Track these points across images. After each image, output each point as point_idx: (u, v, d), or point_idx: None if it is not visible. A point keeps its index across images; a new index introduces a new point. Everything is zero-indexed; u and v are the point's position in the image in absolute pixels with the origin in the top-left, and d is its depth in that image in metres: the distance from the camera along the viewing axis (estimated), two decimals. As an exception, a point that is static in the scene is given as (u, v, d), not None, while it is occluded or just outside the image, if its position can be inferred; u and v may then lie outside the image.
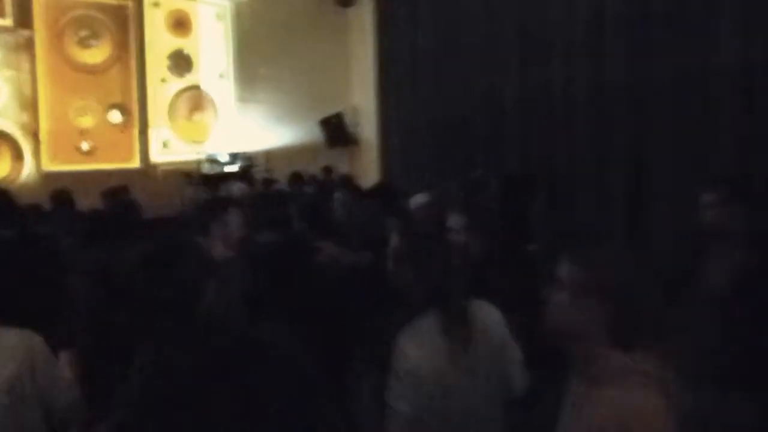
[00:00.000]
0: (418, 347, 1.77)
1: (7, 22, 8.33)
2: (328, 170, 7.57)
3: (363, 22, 9.30)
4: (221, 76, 9.60)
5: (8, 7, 8.35)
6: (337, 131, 9.72)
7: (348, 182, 6.08)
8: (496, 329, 1.88)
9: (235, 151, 9.20)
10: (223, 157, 9.09)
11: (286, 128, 9.75)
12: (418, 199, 3.57)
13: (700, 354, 1.79)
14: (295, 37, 9.46)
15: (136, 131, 8.97)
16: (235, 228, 2.74)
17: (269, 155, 9.47)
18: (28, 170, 8.50)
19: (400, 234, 2.25)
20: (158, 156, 9.14)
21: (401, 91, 7.91)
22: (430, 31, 7.03)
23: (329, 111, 9.72)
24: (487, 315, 1.91)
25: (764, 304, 1.75)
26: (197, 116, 9.41)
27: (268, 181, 7.32)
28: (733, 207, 2.20)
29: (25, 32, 8.36)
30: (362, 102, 9.69)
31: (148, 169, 9.05)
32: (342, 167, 9.74)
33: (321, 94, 9.75)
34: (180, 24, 9.13)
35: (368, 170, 9.29)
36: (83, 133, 8.66)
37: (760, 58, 2.83)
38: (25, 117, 8.46)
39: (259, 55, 9.56)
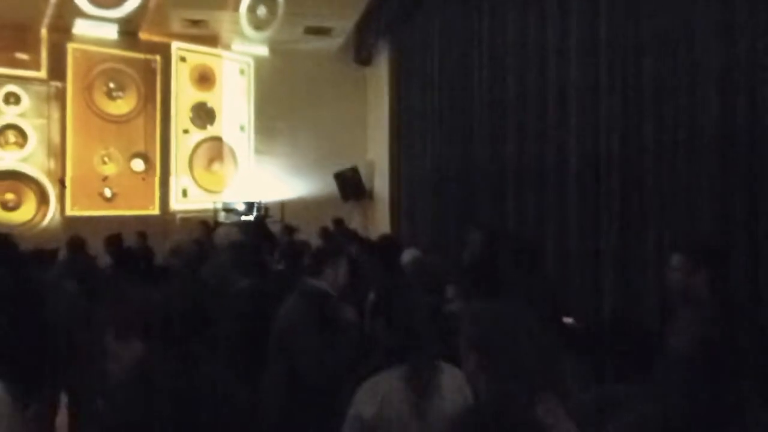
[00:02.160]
0: (373, 397, 1.82)
1: (42, 74, 8.80)
2: (338, 222, 7.70)
3: (379, 80, 9.59)
4: (242, 128, 9.94)
5: (44, 60, 8.83)
6: (351, 185, 9.89)
7: (357, 236, 6.21)
8: (459, 393, 1.89)
9: (251, 200, 9.41)
10: (240, 207, 9.30)
11: (302, 180, 9.97)
12: (405, 256, 3.64)
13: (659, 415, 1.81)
14: (313, 93, 9.78)
15: (157, 179, 9.27)
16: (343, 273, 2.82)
17: (285, 206, 9.65)
18: (51, 214, 8.81)
19: (377, 288, 2.33)
20: (177, 204, 9.40)
21: (412, 147, 8.08)
22: (440, 91, 7.24)
23: (344, 165, 9.93)
24: (453, 378, 1.90)
25: (721, 371, 1.77)
26: (216, 166, 9.70)
27: (290, 229, 7.41)
28: (698, 272, 2.24)
29: (58, 83, 8.81)
30: (376, 157, 9.90)
31: (166, 216, 9.31)
32: (356, 220, 9.93)
33: (337, 148, 9.99)
34: (204, 78, 9.53)
35: (381, 224, 9.41)
36: (106, 180, 8.98)
37: (742, 121, 2.90)
38: (51, 163, 8.82)
39: (277, 109, 9.87)
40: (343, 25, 9.10)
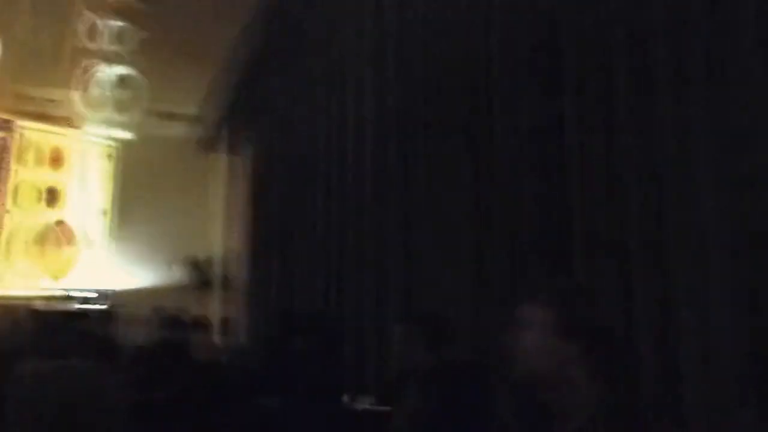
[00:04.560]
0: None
1: None
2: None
3: (241, 169, 9.64)
4: (100, 213, 9.51)
5: None
6: (204, 275, 9.65)
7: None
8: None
9: (97, 288, 8.89)
10: (84, 294, 8.74)
11: (154, 269, 9.58)
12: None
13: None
14: (171, 179, 9.61)
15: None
16: None
17: (137, 294, 9.16)
18: None
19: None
20: (16, 289, 8.64)
21: (267, 240, 8.09)
22: (296, 184, 7.37)
23: (198, 253, 9.70)
24: None
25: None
26: (62, 251, 9.12)
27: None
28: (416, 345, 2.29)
29: None
30: (234, 247, 9.75)
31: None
32: (208, 309, 9.55)
33: (194, 237, 9.75)
34: (54, 159, 9.14)
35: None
36: None
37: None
38: None
39: (136, 195, 9.59)
40: (204, 112, 9.18)
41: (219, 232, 10.14)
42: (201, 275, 9.61)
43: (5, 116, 8.76)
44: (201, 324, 6.33)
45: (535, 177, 3.31)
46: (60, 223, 9.18)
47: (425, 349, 2.33)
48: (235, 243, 9.93)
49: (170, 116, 9.22)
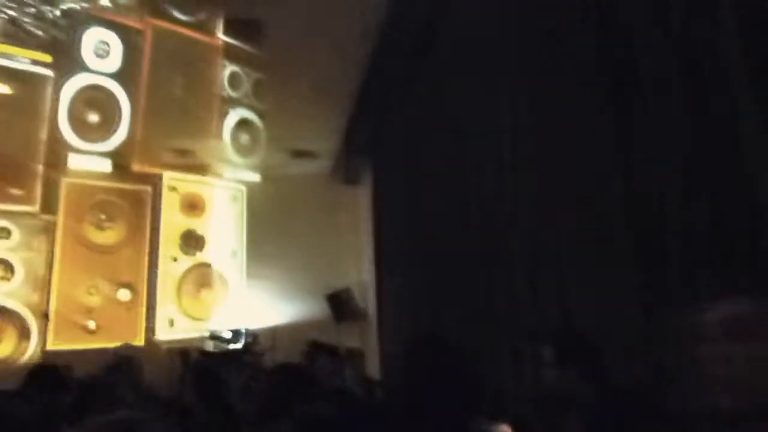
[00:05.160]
0: None
1: (35, 208, 8.94)
2: (316, 345, 7.31)
3: (365, 200, 9.59)
4: (234, 254, 9.86)
5: (38, 195, 9.01)
6: (344, 307, 9.61)
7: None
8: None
9: (239, 328, 9.12)
10: (227, 334, 8.99)
11: (293, 304, 9.70)
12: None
13: None
14: (304, 216, 9.77)
15: (142, 309, 9.07)
16: None
17: (275, 332, 9.32)
18: (32, 350, 8.57)
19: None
20: (164, 334, 9.12)
21: (396, 267, 7.90)
22: (423, 209, 7.14)
23: (337, 286, 9.71)
24: None
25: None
26: (205, 294, 9.51)
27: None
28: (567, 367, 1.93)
29: (48, 217, 8.92)
30: (369, 277, 9.69)
31: (151, 347, 9.00)
32: (351, 343, 9.50)
33: (329, 269, 9.81)
34: (193, 206, 9.60)
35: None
36: (90, 312, 8.80)
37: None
38: (36, 297, 8.71)
39: (269, 234, 9.83)
40: (327, 146, 9.25)
41: (351, 263, 10.17)
42: (337, 308, 9.60)
43: (154, 170, 9.37)
44: (347, 355, 6.27)
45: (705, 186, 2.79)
46: (204, 266, 9.59)
47: (580, 374, 2.11)
48: (367, 274, 9.90)
49: (295, 153, 9.40)
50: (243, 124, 9.00)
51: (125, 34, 8.38)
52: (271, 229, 9.86)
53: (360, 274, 10.17)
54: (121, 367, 5.48)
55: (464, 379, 3.54)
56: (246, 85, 8.96)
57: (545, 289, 4.31)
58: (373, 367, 7.61)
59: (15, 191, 8.83)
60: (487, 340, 4.87)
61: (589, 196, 3.81)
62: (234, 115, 9.03)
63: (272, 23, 7.06)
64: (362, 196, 10.22)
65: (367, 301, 9.76)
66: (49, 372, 4.06)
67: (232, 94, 8.83)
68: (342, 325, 9.52)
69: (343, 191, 10.36)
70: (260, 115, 9.25)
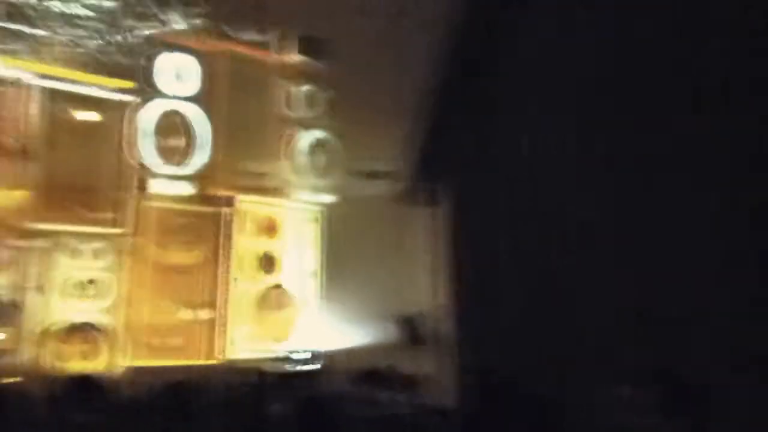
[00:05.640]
0: None
1: (122, 230, 9.35)
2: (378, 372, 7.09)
3: (443, 221, 9.31)
4: (308, 275, 9.88)
5: (126, 218, 9.42)
6: (418, 330, 9.36)
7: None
8: None
9: (313, 349, 9.08)
10: (301, 355, 8.98)
11: (368, 327, 9.57)
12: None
13: None
14: (380, 237, 9.66)
15: (219, 329, 9.22)
16: None
17: (350, 354, 9.21)
18: (119, 365, 8.89)
19: None
20: (238, 353, 9.22)
21: (475, 291, 7.56)
22: (503, 231, 6.82)
23: (412, 310, 9.48)
24: None
25: None
26: (279, 314, 9.56)
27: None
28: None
29: (134, 239, 9.29)
30: (445, 301, 9.37)
31: (227, 366, 9.11)
32: (426, 368, 9.21)
33: (404, 292, 9.61)
34: (269, 228, 9.72)
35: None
36: (171, 330, 9.05)
37: None
38: (123, 315, 9.06)
39: (345, 256, 9.79)
40: (401, 166, 9.09)
41: (427, 286, 9.90)
42: (412, 332, 9.37)
43: (228, 193, 9.58)
44: (412, 382, 6.03)
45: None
46: (277, 287, 9.65)
47: (664, 417, 1.93)
48: (442, 297, 9.59)
49: (369, 174, 9.33)
50: (317, 144, 9.04)
51: (201, 57, 8.64)
52: (347, 251, 9.82)
53: (436, 298, 9.87)
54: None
55: (540, 427, 3.26)
56: (320, 105, 8.99)
57: (652, 321, 3.83)
58: (447, 396, 7.26)
59: (105, 215, 9.28)
60: (574, 379, 4.45)
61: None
62: (309, 136, 9.06)
63: (343, 41, 7.02)
64: (438, 217, 9.95)
65: (443, 325, 9.44)
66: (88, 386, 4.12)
67: (307, 113, 8.87)
68: (416, 349, 9.27)
69: (419, 212, 10.14)
70: (334, 135, 9.26)
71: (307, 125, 8.97)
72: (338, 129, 9.09)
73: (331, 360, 8.95)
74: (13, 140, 7.46)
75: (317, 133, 9.01)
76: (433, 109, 8.34)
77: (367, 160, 9.01)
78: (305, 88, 8.74)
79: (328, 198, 10.00)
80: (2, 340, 8.44)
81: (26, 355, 8.45)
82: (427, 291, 9.85)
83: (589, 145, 4.76)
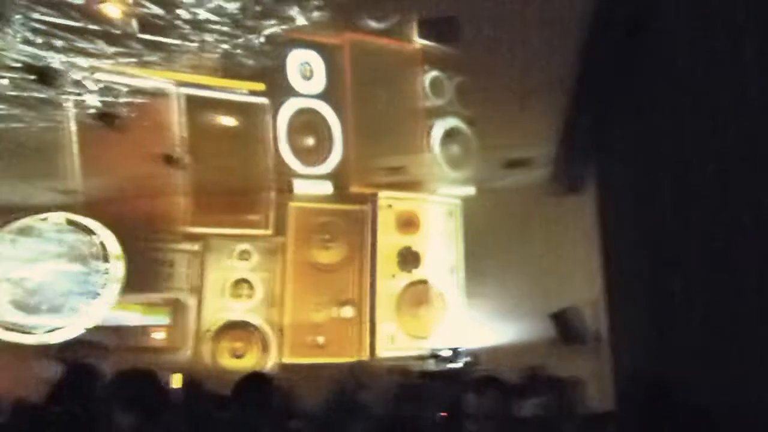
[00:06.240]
0: None
1: (269, 231, 9.66)
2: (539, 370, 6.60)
3: (590, 210, 8.60)
4: (451, 270, 9.60)
5: (271, 219, 9.73)
6: (571, 327, 8.74)
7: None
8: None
9: (457, 346, 8.78)
10: (447, 353, 8.71)
11: (515, 323, 9.08)
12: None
13: None
14: (522, 229, 9.16)
15: (365, 326, 9.22)
16: None
17: (496, 351, 8.80)
18: (271, 363, 9.20)
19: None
20: (385, 351, 9.16)
21: (629, 283, 6.83)
22: (657, 218, 6.08)
23: (563, 305, 8.88)
24: None
25: None
26: (423, 311, 9.37)
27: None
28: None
29: (280, 239, 9.57)
30: (598, 295, 8.64)
31: (375, 363, 9.07)
32: (581, 368, 8.56)
33: (553, 286, 9.02)
34: (409, 223, 9.57)
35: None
36: (318, 328, 9.20)
37: None
38: (273, 313, 9.37)
39: (486, 249, 9.39)
40: (544, 152, 8.51)
41: (578, 279, 9.20)
42: (563, 329, 8.75)
43: (370, 190, 9.56)
44: (566, 385, 5.56)
45: None
46: (422, 282, 9.47)
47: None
48: (596, 291, 8.86)
49: (510, 163, 8.85)
50: (451, 134, 8.70)
51: (325, 52, 8.62)
52: (488, 244, 9.42)
53: (589, 291, 9.15)
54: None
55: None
56: (449, 91, 8.64)
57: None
58: (606, 398, 6.63)
59: (252, 217, 9.65)
60: (738, 389, 3.77)
61: None
62: (441, 125, 8.76)
63: (469, 19, 6.60)
64: (587, 206, 9.21)
65: (599, 321, 8.71)
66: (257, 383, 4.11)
67: (436, 102, 8.55)
68: (569, 347, 8.65)
69: (564, 201, 9.47)
70: (468, 123, 8.86)
71: (438, 114, 8.66)
72: (472, 115, 8.69)
73: (478, 358, 8.59)
74: (168, 149, 7.93)
75: (451, 121, 8.67)
76: (577, 88, 7.69)
77: (507, 148, 8.54)
78: (434, 73, 8.42)
79: (467, 190, 9.64)
80: (162, 339, 9.08)
81: (187, 353, 9.01)
82: (578, 285, 9.16)
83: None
